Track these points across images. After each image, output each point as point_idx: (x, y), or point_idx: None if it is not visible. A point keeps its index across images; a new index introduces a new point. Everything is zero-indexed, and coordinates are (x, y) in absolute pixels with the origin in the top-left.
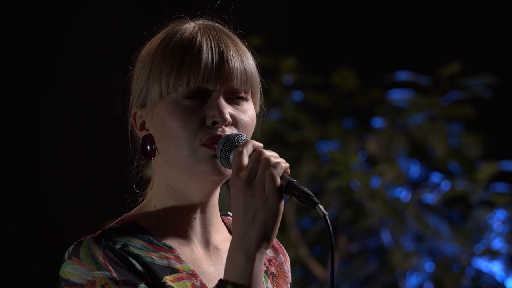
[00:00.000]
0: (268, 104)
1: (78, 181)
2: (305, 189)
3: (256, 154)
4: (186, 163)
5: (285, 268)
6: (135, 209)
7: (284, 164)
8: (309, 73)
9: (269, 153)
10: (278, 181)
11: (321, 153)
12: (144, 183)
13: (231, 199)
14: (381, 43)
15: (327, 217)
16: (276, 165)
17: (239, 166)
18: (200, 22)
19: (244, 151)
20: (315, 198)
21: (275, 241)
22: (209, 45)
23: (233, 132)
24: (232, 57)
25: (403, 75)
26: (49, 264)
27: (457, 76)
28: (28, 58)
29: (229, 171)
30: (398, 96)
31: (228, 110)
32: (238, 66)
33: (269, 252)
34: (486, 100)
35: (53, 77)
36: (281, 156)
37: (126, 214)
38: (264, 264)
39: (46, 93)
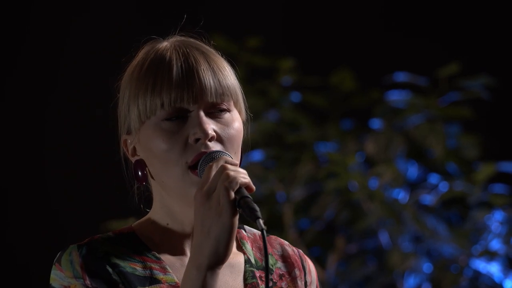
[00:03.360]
0: (266, 105)
1: (78, 181)
2: (254, 204)
3: (220, 169)
4: (177, 187)
5: (299, 283)
6: (136, 222)
7: (243, 179)
8: (307, 74)
9: (232, 168)
10: (231, 195)
11: (319, 154)
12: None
13: (194, 213)
14: (379, 44)
15: (265, 232)
16: (232, 179)
17: (204, 181)
18: (174, 39)
19: (214, 167)
20: (258, 213)
21: (295, 255)
22: (179, 63)
23: (214, 149)
24: (203, 72)
25: (401, 76)
26: (49, 265)
27: (455, 77)
28: (28, 58)
29: None
30: (396, 97)
31: (210, 125)
32: (211, 80)
33: (283, 267)
34: (484, 101)
35: (53, 77)
36: (279, 157)
37: (129, 225)
38: (272, 279)
39: (46, 93)
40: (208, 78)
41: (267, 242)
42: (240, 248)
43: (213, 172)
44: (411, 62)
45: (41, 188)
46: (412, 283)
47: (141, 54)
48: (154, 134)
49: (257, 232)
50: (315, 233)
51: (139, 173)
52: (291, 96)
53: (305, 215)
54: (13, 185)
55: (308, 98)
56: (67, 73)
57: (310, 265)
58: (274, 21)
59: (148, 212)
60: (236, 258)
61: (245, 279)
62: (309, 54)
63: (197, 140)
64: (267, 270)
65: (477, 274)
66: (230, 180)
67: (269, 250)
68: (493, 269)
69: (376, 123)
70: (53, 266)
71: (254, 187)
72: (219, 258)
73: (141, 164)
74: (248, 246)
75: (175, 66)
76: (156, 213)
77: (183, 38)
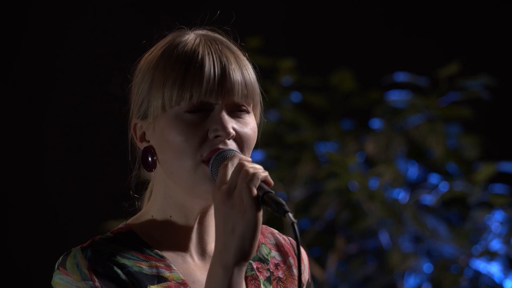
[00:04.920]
0: (266, 105)
1: (78, 182)
2: (279, 198)
3: (237, 167)
4: (187, 179)
5: (295, 271)
6: (133, 218)
7: (262, 174)
8: (307, 74)
9: (250, 165)
10: (254, 191)
11: (319, 154)
12: (141, 188)
13: (214, 212)
14: (379, 44)
15: (296, 226)
16: (252, 176)
17: (222, 179)
18: (201, 32)
19: (229, 165)
20: (286, 207)
21: (287, 243)
22: (211, 59)
23: (225, 148)
24: (233, 71)
25: (401, 76)
26: (49, 265)
27: (455, 77)
28: (27, 59)
29: None
30: (396, 97)
31: (231, 124)
32: (239, 80)
33: (277, 256)
34: (484, 101)
35: (53, 77)
36: (279, 158)
37: (124, 222)
38: (269, 269)
39: (46, 93)
40: (237, 79)
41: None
42: None
43: (230, 170)
44: (411, 62)
45: (41, 189)
46: (412, 283)
47: (166, 43)
48: (173, 124)
49: None
50: (315, 233)
51: (149, 159)
52: (291, 96)
53: (305, 215)
54: (13, 185)
55: (308, 98)
56: (67, 73)
57: (302, 252)
58: (275, 21)
59: (136, 200)
60: None
61: (244, 271)
62: (309, 54)
63: (216, 136)
64: (299, 267)
65: (477, 274)
66: (251, 177)
67: (263, 239)
68: (493, 269)
69: (376, 123)
70: (56, 271)
71: (272, 181)
72: (245, 255)
73: (150, 151)
74: None
75: (207, 61)
76: (157, 206)
77: (209, 32)
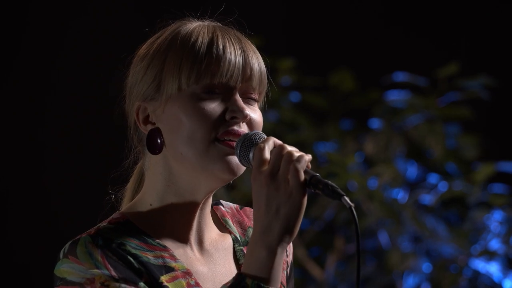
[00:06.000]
0: (265, 105)
1: (78, 183)
2: (330, 182)
3: (279, 149)
4: (199, 159)
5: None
6: (127, 207)
7: (307, 157)
8: (306, 74)
9: (290, 147)
10: (302, 175)
11: (318, 154)
12: (115, 183)
13: (253, 194)
14: (379, 44)
15: (353, 209)
16: (299, 159)
17: (261, 161)
18: (206, 23)
19: (266, 147)
20: (340, 190)
21: None
22: (231, 43)
23: (250, 131)
24: (252, 58)
25: (400, 76)
26: (49, 265)
27: (454, 77)
28: (27, 59)
29: (241, 170)
30: (395, 97)
31: (246, 107)
32: (257, 68)
33: None
34: (483, 101)
35: (52, 78)
36: None
37: (117, 212)
38: None
39: (46, 93)
40: (255, 65)
41: (243, 215)
42: (225, 228)
43: (267, 152)
44: (410, 62)
45: (41, 189)
46: (412, 283)
47: (174, 29)
48: (190, 103)
49: (234, 206)
50: (314, 233)
51: (158, 141)
52: (290, 96)
53: (304, 215)
54: (13, 185)
55: (308, 98)
56: (67, 73)
57: None
58: (275, 21)
59: (112, 194)
60: (225, 240)
61: (237, 260)
62: (309, 54)
63: (233, 118)
64: (358, 250)
65: (477, 274)
66: (298, 159)
67: (249, 223)
68: (493, 269)
69: (376, 123)
70: (64, 259)
71: (310, 165)
72: (289, 237)
73: (159, 133)
74: (230, 222)
75: (228, 45)
76: (156, 194)
77: (215, 23)
